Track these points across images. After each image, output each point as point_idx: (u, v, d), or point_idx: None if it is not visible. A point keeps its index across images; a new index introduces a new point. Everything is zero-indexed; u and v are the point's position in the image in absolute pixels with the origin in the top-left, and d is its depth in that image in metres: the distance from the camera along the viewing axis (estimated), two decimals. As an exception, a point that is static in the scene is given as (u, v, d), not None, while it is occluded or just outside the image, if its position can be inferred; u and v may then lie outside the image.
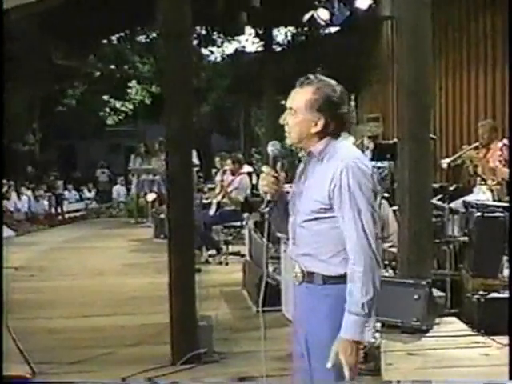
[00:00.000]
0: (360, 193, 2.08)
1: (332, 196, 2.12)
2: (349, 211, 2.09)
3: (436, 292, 4.54)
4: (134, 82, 18.89)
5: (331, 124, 2.16)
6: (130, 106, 19.00)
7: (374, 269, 2.07)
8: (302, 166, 2.31)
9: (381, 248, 2.12)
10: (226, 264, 7.50)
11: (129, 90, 18.82)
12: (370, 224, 2.07)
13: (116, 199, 17.81)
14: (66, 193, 18.54)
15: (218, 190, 8.19)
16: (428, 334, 4.20)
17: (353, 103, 11.18)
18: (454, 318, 4.51)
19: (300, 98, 2.20)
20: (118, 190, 18.35)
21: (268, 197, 2.27)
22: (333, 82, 2.21)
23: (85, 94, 19.40)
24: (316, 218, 2.17)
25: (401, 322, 4.22)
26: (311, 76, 2.21)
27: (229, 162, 8.18)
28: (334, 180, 2.10)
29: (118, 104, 18.93)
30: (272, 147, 2.32)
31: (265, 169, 2.27)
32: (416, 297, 4.19)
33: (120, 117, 19.47)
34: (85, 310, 5.52)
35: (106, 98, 18.95)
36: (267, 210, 2.33)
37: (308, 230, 2.20)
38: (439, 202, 5.61)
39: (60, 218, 15.46)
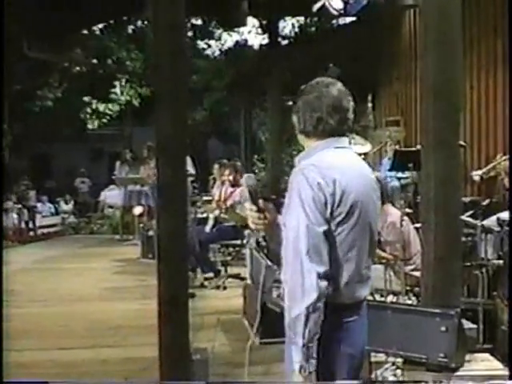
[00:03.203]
0: (297, 201, 2.18)
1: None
2: (284, 217, 2.26)
3: (466, 324, 4.53)
4: (120, 79, 18.80)
5: (301, 125, 2.37)
6: (116, 108, 18.88)
7: (297, 284, 2.12)
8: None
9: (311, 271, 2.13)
10: (224, 288, 7.50)
11: (113, 90, 18.74)
12: (301, 239, 2.13)
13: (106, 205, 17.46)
14: (40, 205, 18.53)
15: (215, 204, 8.20)
16: (457, 373, 4.18)
17: (370, 104, 11.21)
18: (487, 355, 4.49)
19: None
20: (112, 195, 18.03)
21: (261, 233, 2.49)
22: (324, 81, 2.37)
23: (63, 92, 19.44)
24: None
25: (425, 357, 4.20)
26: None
27: (227, 171, 8.20)
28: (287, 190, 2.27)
29: (101, 107, 18.81)
30: (247, 180, 2.47)
31: (247, 205, 2.43)
32: (443, 329, 4.17)
33: (104, 120, 19.34)
34: (61, 341, 5.51)
35: (87, 99, 18.80)
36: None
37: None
38: (470, 219, 5.60)
39: (32, 233, 15.48)
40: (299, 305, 2.10)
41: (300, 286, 2.11)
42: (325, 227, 2.16)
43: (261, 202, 2.48)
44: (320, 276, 2.11)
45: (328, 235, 2.17)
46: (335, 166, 2.23)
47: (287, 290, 2.16)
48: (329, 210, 2.17)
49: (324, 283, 2.12)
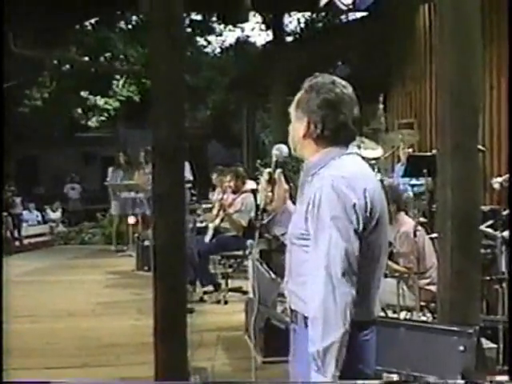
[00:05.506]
0: (328, 219, 2.11)
1: (307, 221, 2.19)
2: (313, 238, 2.15)
3: (485, 343, 4.51)
4: (114, 74, 18.72)
5: (317, 129, 2.24)
6: (116, 104, 18.67)
7: (331, 309, 2.06)
8: (300, 181, 2.42)
9: (350, 290, 2.09)
10: (225, 303, 7.49)
11: (112, 83, 18.60)
12: (336, 257, 2.09)
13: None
14: (26, 213, 18.58)
15: (215, 212, 8.20)
16: (476, 395, 4.17)
17: (381, 106, 11.20)
18: (507, 377, 4.47)
19: (295, 98, 2.34)
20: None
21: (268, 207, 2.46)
22: (337, 80, 2.30)
23: (54, 90, 19.42)
24: (299, 246, 2.25)
25: (441, 379, 4.18)
26: (316, 74, 2.33)
27: (229, 177, 8.21)
28: (310, 202, 2.18)
29: (100, 102, 18.62)
30: (276, 151, 2.48)
31: (265, 172, 2.47)
32: (461, 348, 4.15)
33: (102, 118, 19.14)
34: (49, 360, 5.49)
35: (84, 94, 18.64)
36: (266, 221, 2.49)
37: (293, 260, 2.31)
38: (490, 230, 5.59)
39: (18, 243, 15.51)
40: (334, 333, 2.06)
41: (334, 312, 2.06)
42: (358, 245, 2.12)
43: (278, 171, 2.48)
44: (353, 299, 2.08)
45: (359, 252, 2.14)
46: (360, 175, 2.20)
47: (314, 315, 2.10)
48: (361, 225, 2.14)
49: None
